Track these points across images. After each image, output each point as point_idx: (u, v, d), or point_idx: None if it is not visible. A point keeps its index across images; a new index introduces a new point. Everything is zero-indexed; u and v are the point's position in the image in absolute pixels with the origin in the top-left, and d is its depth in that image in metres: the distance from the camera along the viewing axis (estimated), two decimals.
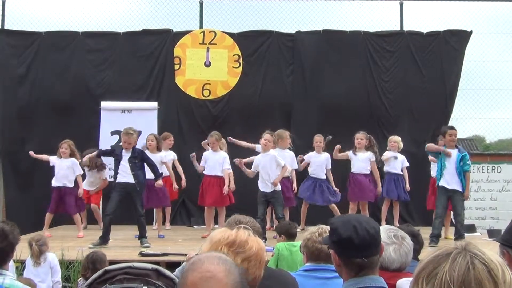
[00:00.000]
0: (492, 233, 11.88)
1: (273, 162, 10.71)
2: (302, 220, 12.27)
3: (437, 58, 14.80)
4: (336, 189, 12.21)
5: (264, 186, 10.61)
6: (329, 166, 12.28)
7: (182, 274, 2.01)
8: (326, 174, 12.28)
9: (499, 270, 1.92)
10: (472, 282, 1.85)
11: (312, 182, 12.21)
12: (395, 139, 12.33)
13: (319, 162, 12.23)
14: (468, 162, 10.82)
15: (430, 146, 10.97)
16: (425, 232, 10.48)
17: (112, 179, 11.18)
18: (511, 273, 2.03)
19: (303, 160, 12.31)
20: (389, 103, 14.63)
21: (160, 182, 10.82)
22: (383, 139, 13.28)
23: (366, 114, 14.29)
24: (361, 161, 11.84)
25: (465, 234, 10.79)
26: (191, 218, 14.10)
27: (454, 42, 14.89)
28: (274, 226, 10.18)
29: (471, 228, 12.93)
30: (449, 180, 10.69)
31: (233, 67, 14.75)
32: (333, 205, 12.11)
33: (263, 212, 10.67)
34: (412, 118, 14.49)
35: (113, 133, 13.00)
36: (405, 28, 15.12)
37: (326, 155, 12.25)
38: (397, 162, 12.21)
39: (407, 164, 12.32)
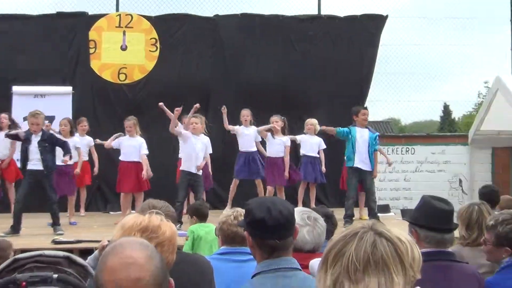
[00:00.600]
0: (405, 213, 11.95)
1: (204, 147, 10.90)
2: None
3: (354, 41, 15.00)
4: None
5: (190, 166, 10.60)
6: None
7: (101, 258, 1.95)
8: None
9: (407, 248, 1.94)
10: (377, 260, 1.87)
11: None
12: (312, 122, 12.42)
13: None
14: (377, 142, 11.12)
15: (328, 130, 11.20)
16: (341, 213, 10.68)
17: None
18: (420, 251, 2.05)
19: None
20: (306, 86, 14.72)
21: (67, 158, 10.36)
22: (300, 122, 13.39)
23: (284, 97, 14.35)
24: (277, 145, 11.92)
25: (379, 214, 11.03)
26: (107, 204, 13.90)
27: (371, 26, 15.11)
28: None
29: (385, 208, 13.22)
30: (362, 160, 10.90)
31: (150, 51, 14.57)
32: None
33: (184, 195, 10.68)
34: (329, 101, 14.62)
35: (25, 118, 12.62)
36: (323, 12, 15.25)
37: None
38: (313, 145, 12.33)
39: (324, 147, 12.45)
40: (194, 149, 10.66)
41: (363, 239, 1.92)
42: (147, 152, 11.29)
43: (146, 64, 14.51)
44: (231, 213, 4.55)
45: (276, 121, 11.96)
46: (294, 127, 12.97)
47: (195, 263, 3.98)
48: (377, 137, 11.12)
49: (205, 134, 11.93)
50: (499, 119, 14.07)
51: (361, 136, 10.93)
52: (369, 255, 1.87)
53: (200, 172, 10.75)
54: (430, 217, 3.90)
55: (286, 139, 11.96)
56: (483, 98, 19.64)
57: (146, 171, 11.03)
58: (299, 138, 12.44)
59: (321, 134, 12.30)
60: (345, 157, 11.18)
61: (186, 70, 14.48)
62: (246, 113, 12.30)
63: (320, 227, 3.85)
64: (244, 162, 12.14)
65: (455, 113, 25.55)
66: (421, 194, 4.24)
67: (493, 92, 13.87)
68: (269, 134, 11.94)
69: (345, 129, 11.04)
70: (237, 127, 12.27)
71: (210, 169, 12.27)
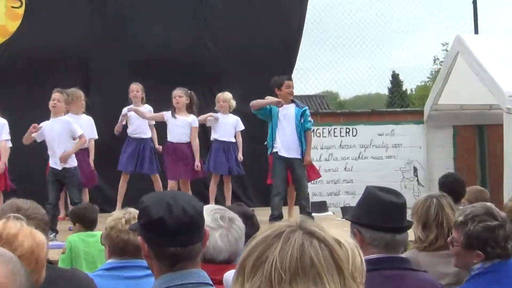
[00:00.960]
0: (346, 211, 12.05)
1: (65, 130, 10.49)
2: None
3: None
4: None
5: (53, 162, 10.39)
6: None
7: None
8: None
9: (347, 253, 1.92)
10: (307, 267, 1.84)
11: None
12: (225, 97, 12.31)
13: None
14: (309, 119, 11.15)
15: (255, 102, 11.05)
16: (265, 214, 10.69)
17: None
18: (363, 256, 2.03)
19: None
20: (218, 51, 14.72)
21: None
22: (210, 97, 13.36)
23: (189, 66, 14.27)
24: (180, 126, 11.76)
25: (314, 214, 11.06)
26: None
27: None
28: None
29: (322, 206, 13.32)
30: (287, 145, 10.90)
31: (12, 7, 14.25)
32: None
33: (54, 195, 10.39)
34: (247, 70, 14.58)
35: None
36: None
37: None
38: (228, 126, 12.26)
39: (242, 128, 12.41)
40: (50, 138, 10.41)
41: (289, 240, 1.89)
42: (8, 137, 11.11)
43: (7, 24, 14.18)
44: (122, 216, 4.53)
45: (180, 96, 11.79)
46: (203, 104, 12.92)
47: (73, 280, 3.93)
48: (305, 112, 11.09)
49: (85, 114, 11.80)
50: (461, 90, 14.36)
51: (285, 114, 10.94)
52: (297, 260, 1.85)
53: (73, 164, 10.54)
54: (376, 213, 3.93)
55: (193, 119, 11.77)
56: (440, 65, 20.00)
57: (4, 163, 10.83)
58: (209, 118, 12.32)
59: (237, 112, 12.31)
60: (266, 143, 11.18)
61: (60, 32, 14.16)
62: (135, 88, 12.19)
63: (237, 230, 3.81)
64: (132, 152, 12.03)
65: (407, 83, 25.91)
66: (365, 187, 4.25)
67: (452, 56, 14.12)
68: (167, 113, 11.77)
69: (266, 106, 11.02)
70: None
71: (92, 157, 12.06)
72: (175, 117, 11.74)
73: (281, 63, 14.58)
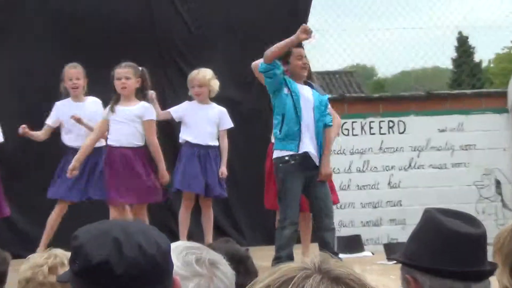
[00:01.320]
0: (393, 248, 11.97)
1: None
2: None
3: None
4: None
5: None
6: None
7: None
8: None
9: None
10: None
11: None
12: (201, 78, 12.23)
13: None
14: (329, 111, 10.95)
15: (272, 49, 10.38)
16: (266, 256, 10.65)
17: None
18: None
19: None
20: (190, 13, 14.88)
21: None
22: (180, 77, 13.38)
23: (148, 34, 14.50)
24: (123, 122, 11.60)
25: (342, 255, 11.02)
26: None
27: None
28: None
29: (354, 243, 13.28)
30: (312, 145, 10.70)
31: None
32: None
33: None
34: (235, 38, 14.82)
35: None
36: None
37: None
38: (208, 122, 12.23)
39: (229, 125, 12.47)
40: None
41: None
42: None
43: None
44: (44, 262, 4.53)
45: (127, 77, 11.67)
46: (169, 90, 12.96)
47: None
48: (327, 102, 10.99)
49: None
50: None
51: (305, 96, 10.72)
52: None
53: None
54: (441, 250, 3.89)
55: (143, 108, 11.60)
56: None
57: None
58: (174, 112, 12.29)
59: (220, 99, 12.32)
60: (277, 134, 10.80)
61: None
62: (74, 74, 12.26)
63: (222, 280, 3.79)
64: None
65: (481, 51, 26.10)
66: (421, 211, 4.18)
67: None
68: (106, 110, 11.69)
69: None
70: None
71: None
72: (113, 111, 11.60)
73: (286, 24, 14.58)
